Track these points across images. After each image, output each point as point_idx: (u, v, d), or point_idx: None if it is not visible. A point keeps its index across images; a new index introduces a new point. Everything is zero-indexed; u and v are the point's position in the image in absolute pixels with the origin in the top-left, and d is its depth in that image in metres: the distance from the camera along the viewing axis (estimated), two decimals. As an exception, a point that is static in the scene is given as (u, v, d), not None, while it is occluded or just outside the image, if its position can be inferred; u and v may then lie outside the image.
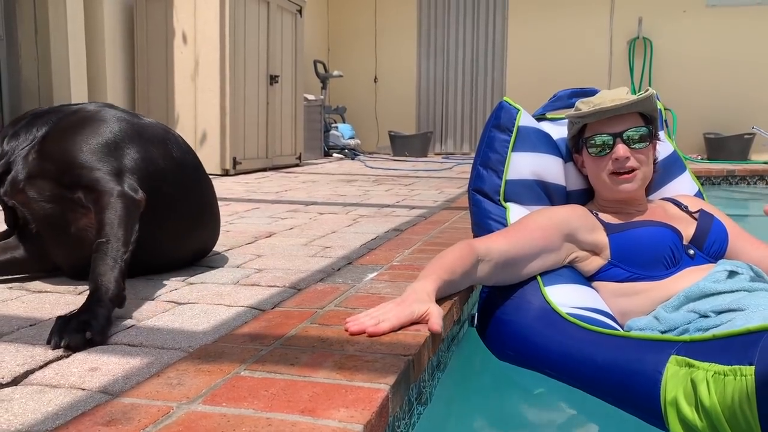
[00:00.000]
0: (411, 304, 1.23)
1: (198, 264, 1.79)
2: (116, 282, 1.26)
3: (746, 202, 5.24)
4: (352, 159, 7.17)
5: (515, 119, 1.79)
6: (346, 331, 1.16)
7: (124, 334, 1.18)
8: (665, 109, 7.69)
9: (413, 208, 3.13)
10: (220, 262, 1.82)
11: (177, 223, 1.65)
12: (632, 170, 1.61)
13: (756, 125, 1.66)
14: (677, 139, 7.33)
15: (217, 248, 1.99)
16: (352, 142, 7.70)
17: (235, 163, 4.91)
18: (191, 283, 1.57)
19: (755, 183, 5.87)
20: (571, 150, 1.78)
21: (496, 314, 1.58)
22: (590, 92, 1.88)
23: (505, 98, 1.85)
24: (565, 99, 1.94)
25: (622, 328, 1.50)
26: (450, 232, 2.39)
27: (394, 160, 7.27)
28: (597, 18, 7.74)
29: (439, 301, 1.34)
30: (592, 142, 1.65)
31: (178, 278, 1.62)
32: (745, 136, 6.97)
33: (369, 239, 2.19)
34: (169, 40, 4.87)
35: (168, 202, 1.59)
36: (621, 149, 1.60)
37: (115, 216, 1.36)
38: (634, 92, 6.09)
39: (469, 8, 8.24)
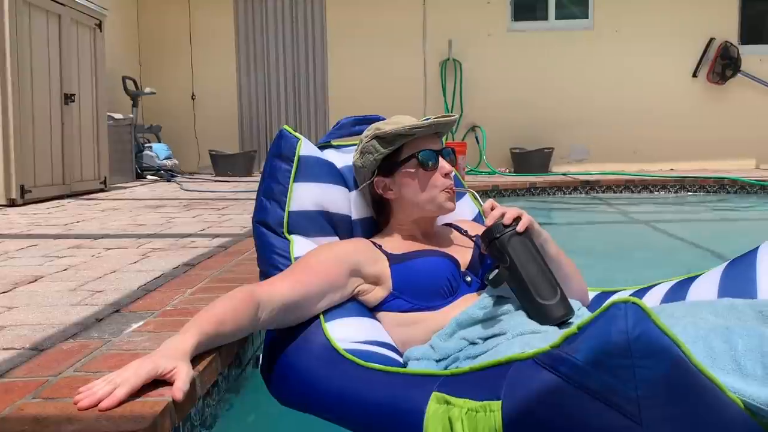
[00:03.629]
0: (157, 360, 1.09)
1: (-74, 325, 1.51)
2: None
3: (548, 212, 5.66)
4: (168, 181, 6.78)
5: (295, 148, 1.72)
6: (75, 404, 1.00)
7: None
8: (475, 126, 8.16)
9: (216, 236, 2.97)
10: (-45, 320, 1.55)
11: None
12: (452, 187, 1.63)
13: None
14: (487, 154, 7.81)
15: (-41, 302, 1.71)
16: (168, 162, 7.28)
17: (23, 191, 4.40)
18: None
19: (554, 193, 6.39)
20: (370, 175, 1.68)
21: (279, 355, 1.49)
22: (374, 119, 1.86)
23: (284, 126, 1.78)
24: (349, 126, 1.90)
25: (402, 358, 1.48)
26: (247, 264, 2.27)
27: (216, 181, 6.99)
28: (411, 39, 8.04)
29: (201, 355, 1.22)
30: (423, 157, 1.59)
31: None
32: (546, 150, 7.58)
33: (151, 278, 2.01)
34: (-63, 53, 4.27)
35: None
36: (447, 165, 1.61)
37: None
38: (447, 110, 6.40)
39: (288, 25, 8.18)
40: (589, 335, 0.97)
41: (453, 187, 1.63)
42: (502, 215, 1.46)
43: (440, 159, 1.61)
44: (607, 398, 0.92)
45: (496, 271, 1.41)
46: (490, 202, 1.50)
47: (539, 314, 1.39)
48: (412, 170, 1.61)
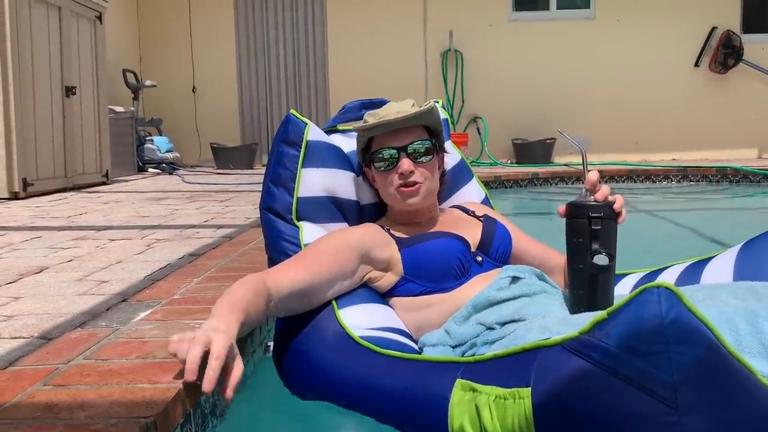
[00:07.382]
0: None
1: (-68, 315, 1.50)
2: None
3: (552, 203, 5.63)
4: (170, 174, 6.76)
5: (303, 133, 1.70)
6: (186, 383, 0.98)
7: None
8: (477, 117, 8.12)
9: (221, 227, 2.95)
10: (-39, 310, 1.54)
11: None
12: (416, 184, 1.57)
13: (561, 129, 1.72)
14: (489, 145, 7.78)
15: (-36, 292, 1.69)
16: (170, 155, 7.26)
17: (25, 184, 4.38)
18: None
19: (556, 183, 6.36)
20: (361, 164, 1.72)
21: (291, 343, 1.47)
22: (379, 103, 1.84)
23: (291, 111, 1.76)
24: (355, 111, 1.88)
25: (417, 344, 1.47)
26: (252, 253, 2.26)
27: (218, 173, 6.97)
28: (412, 30, 8.00)
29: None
30: (379, 156, 1.59)
31: None
32: (547, 141, 7.55)
33: (157, 268, 1.99)
34: (-63, 47, 4.24)
35: None
36: (405, 163, 1.56)
37: None
38: (448, 101, 6.29)
39: (288, 17, 8.14)
40: (621, 320, 0.94)
41: (408, 184, 1.55)
42: (607, 198, 1.37)
43: (401, 156, 1.55)
44: (641, 384, 0.89)
45: (604, 254, 1.30)
46: (596, 173, 1.39)
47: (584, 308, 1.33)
48: (375, 167, 1.62)
